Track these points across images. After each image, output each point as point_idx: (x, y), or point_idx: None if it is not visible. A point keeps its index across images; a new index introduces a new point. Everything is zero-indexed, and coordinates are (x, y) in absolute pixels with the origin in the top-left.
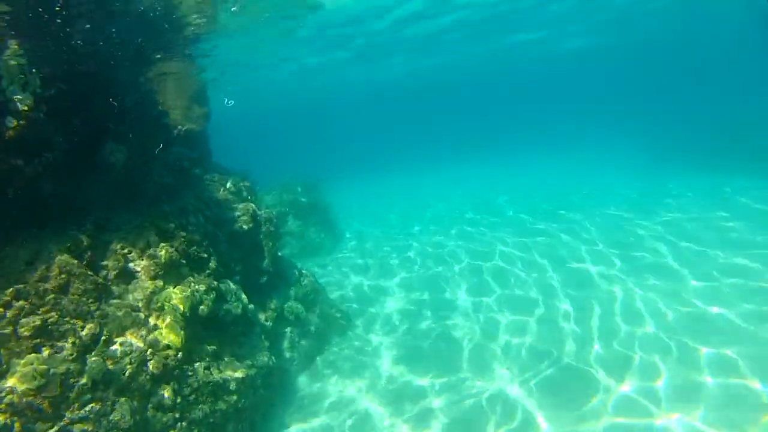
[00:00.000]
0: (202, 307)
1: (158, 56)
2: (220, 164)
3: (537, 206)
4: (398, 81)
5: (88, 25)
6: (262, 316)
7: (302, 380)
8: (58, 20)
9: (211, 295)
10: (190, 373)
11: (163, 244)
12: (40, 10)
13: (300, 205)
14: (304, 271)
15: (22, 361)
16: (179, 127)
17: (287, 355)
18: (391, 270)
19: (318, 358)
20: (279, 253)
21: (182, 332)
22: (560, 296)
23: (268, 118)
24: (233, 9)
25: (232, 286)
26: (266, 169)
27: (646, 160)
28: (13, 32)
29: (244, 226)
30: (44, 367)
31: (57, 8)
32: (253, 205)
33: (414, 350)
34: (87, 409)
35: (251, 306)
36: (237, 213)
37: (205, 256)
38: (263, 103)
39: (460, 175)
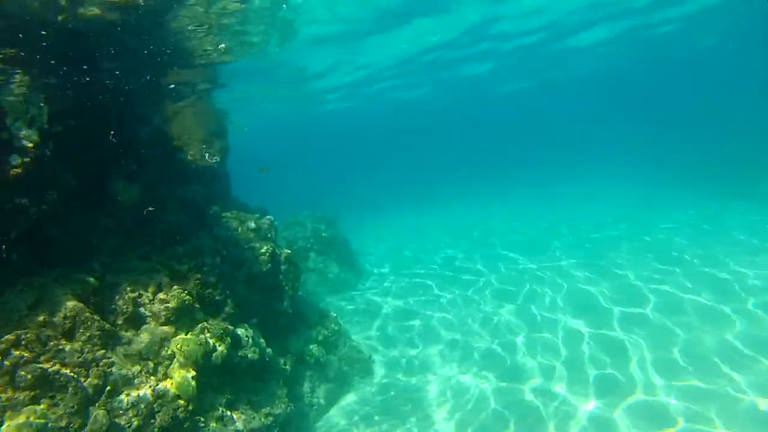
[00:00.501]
0: (215, 354)
1: (171, 86)
2: (240, 200)
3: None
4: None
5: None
6: (281, 361)
7: (320, 426)
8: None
9: (226, 341)
10: (201, 425)
11: (175, 287)
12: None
13: (321, 240)
14: (325, 312)
15: (19, 415)
16: (197, 162)
17: (306, 400)
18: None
19: (339, 403)
20: (300, 293)
21: (193, 382)
22: None
23: (281, 152)
24: (220, 47)
25: (249, 330)
26: (281, 204)
27: None
28: (19, 67)
29: (263, 267)
30: (42, 421)
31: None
32: (273, 244)
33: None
34: None
35: (269, 350)
36: (256, 253)
37: (221, 298)
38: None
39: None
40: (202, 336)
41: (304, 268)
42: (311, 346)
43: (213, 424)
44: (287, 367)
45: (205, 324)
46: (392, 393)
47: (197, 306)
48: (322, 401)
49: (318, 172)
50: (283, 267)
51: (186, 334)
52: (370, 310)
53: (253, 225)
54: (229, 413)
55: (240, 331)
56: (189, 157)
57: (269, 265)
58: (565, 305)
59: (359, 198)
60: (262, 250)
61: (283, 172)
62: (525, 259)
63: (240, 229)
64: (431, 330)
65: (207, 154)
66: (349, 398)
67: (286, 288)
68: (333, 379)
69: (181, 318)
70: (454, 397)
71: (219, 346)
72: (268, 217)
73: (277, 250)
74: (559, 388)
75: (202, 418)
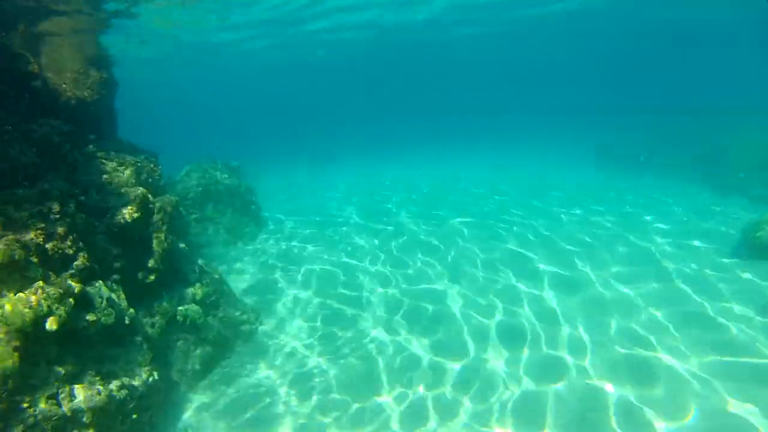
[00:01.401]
0: (52, 318)
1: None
2: (131, 143)
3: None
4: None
5: None
6: (147, 323)
7: (195, 397)
8: None
9: (68, 303)
10: (25, 406)
11: (5, 238)
12: None
13: (222, 189)
14: (207, 268)
15: None
16: (63, 95)
17: (178, 367)
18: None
19: (217, 369)
20: (183, 245)
21: (15, 354)
22: None
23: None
24: None
25: (106, 289)
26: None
27: None
28: None
29: (129, 217)
30: None
31: None
32: (143, 190)
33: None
34: None
35: (131, 311)
36: (124, 200)
37: (72, 252)
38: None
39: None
40: (34, 297)
41: (200, 218)
42: (186, 306)
43: (42, 405)
44: (155, 330)
45: (41, 283)
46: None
47: (34, 261)
48: (197, 367)
49: (229, 122)
50: (156, 217)
51: (13, 295)
52: (263, 263)
53: (129, 170)
54: (67, 389)
55: (92, 291)
56: (52, 87)
57: (137, 214)
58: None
59: (271, 149)
60: (131, 197)
61: (196, 120)
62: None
63: (114, 173)
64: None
65: (76, 86)
66: (230, 362)
67: (157, 241)
68: (212, 342)
69: (11, 275)
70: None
71: (58, 309)
72: (151, 160)
73: (149, 197)
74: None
75: (27, 398)
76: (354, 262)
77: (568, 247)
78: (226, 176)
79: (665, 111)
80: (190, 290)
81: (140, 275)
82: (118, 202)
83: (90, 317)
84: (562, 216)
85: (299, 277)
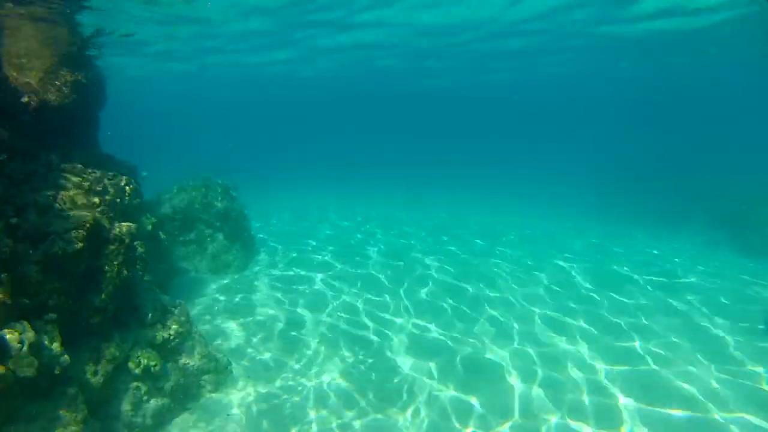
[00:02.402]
0: None
1: None
2: (109, 155)
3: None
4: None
5: None
6: (89, 370)
7: None
8: None
9: None
10: None
11: None
12: None
13: (213, 211)
14: (173, 306)
15: None
16: (31, 96)
17: (125, 420)
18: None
19: (172, 425)
20: (147, 277)
21: None
22: None
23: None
24: None
25: (29, 332)
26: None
27: None
28: None
29: (72, 246)
30: None
31: None
32: (92, 216)
33: None
34: None
35: (65, 358)
36: (68, 225)
37: None
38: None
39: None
40: None
41: (187, 241)
42: (141, 351)
43: None
44: (98, 378)
45: None
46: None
47: None
48: (149, 421)
49: (229, 141)
50: (111, 247)
51: None
52: (247, 303)
53: (95, 186)
54: None
55: (8, 336)
56: (12, 87)
57: (81, 244)
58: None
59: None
60: (79, 222)
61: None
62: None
63: (74, 191)
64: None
65: (42, 87)
66: (190, 417)
67: (111, 275)
68: (169, 393)
69: None
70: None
71: None
72: (125, 176)
73: (104, 223)
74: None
75: None
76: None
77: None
78: (220, 197)
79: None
80: (148, 332)
81: (85, 315)
82: (62, 227)
83: (2, 369)
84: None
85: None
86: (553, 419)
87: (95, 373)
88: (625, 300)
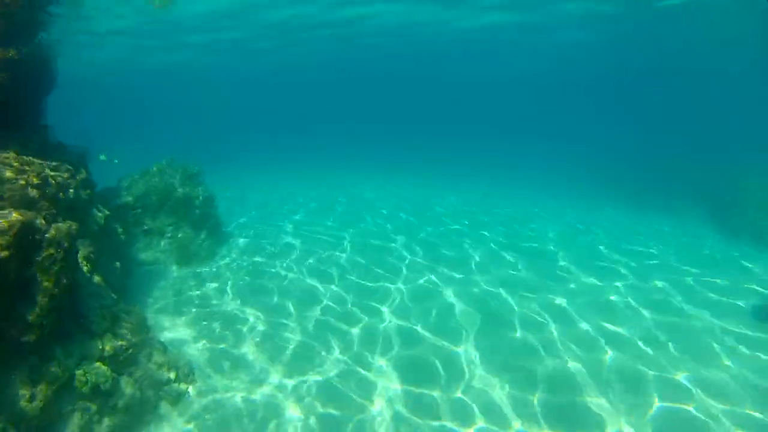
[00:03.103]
0: None
1: None
2: (59, 142)
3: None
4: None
5: None
6: (23, 396)
7: None
8: None
9: None
10: None
11: None
12: None
13: (175, 198)
14: (126, 313)
15: None
16: None
17: None
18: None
19: None
20: (97, 279)
21: None
22: None
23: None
24: None
25: None
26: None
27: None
28: None
29: None
30: None
31: None
32: (19, 218)
33: None
34: None
35: None
36: None
37: None
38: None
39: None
40: None
41: (150, 231)
42: (88, 366)
43: None
44: (35, 405)
45: None
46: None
47: None
48: None
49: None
50: (45, 253)
51: None
52: (213, 296)
53: (35, 179)
54: None
55: None
56: None
57: (6, 252)
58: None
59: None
60: (5, 225)
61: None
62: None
63: (5, 186)
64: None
65: None
66: None
67: (46, 286)
68: (124, 410)
69: None
70: None
71: None
72: (72, 164)
73: (36, 225)
74: None
75: None
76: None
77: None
78: (183, 182)
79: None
80: (97, 343)
81: (15, 333)
82: None
83: None
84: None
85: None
86: None
87: (32, 398)
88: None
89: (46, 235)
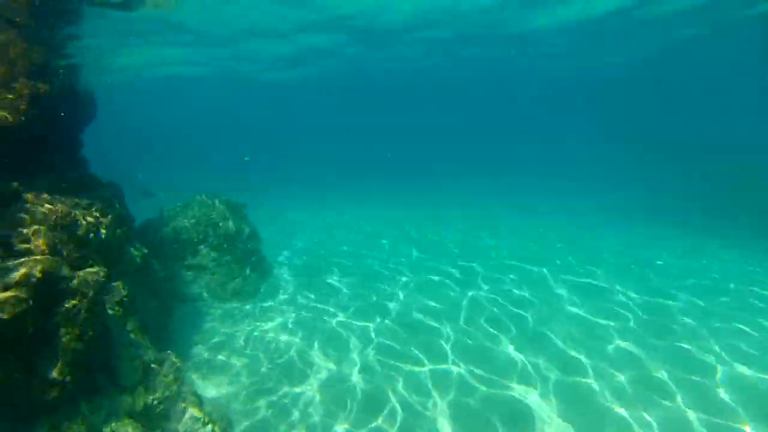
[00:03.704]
0: None
1: None
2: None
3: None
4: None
5: None
6: None
7: None
8: None
9: None
10: None
11: None
12: None
13: (218, 232)
14: (160, 364)
15: None
16: None
17: None
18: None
19: None
20: (131, 331)
21: None
22: None
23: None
24: None
25: None
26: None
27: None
28: None
29: (3, 311)
30: None
31: None
32: (40, 266)
33: None
34: None
35: None
36: (9, 281)
37: None
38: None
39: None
40: None
41: (192, 266)
42: (117, 423)
43: None
44: None
45: None
46: None
47: None
48: None
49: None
50: (69, 304)
51: None
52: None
53: (64, 220)
54: None
55: None
56: None
57: (23, 306)
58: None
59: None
60: (14, 277)
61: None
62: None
63: (31, 228)
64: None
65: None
66: None
67: (68, 338)
68: None
69: None
70: None
71: None
72: (99, 206)
73: (62, 271)
74: None
75: None
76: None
77: None
78: (227, 216)
79: None
80: (127, 398)
81: (37, 390)
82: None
83: None
84: None
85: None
86: None
87: None
88: None
89: (71, 284)
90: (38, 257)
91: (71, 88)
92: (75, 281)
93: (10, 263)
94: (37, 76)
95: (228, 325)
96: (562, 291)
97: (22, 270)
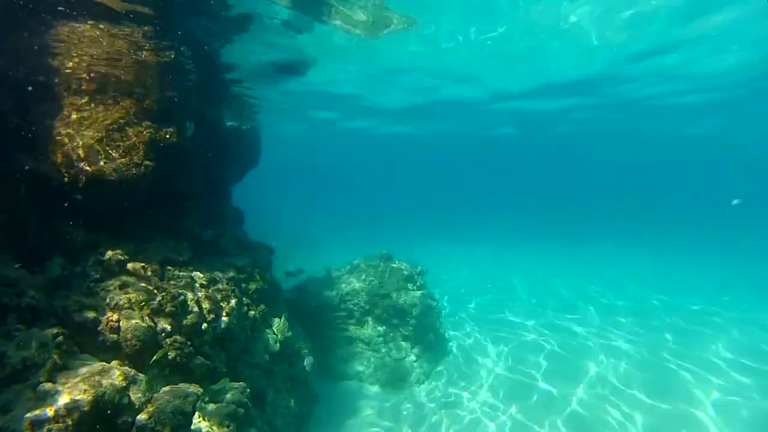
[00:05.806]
0: None
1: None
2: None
3: None
4: None
5: None
6: None
7: None
8: None
9: None
10: None
11: None
12: None
13: (388, 303)
14: None
15: None
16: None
17: None
18: None
19: None
20: None
21: None
22: None
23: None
24: None
25: None
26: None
27: None
28: None
29: None
30: None
31: None
32: (88, 398)
33: None
34: None
35: None
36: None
37: None
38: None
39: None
40: None
41: (353, 339)
42: None
43: None
44: None
45: None
46: None
47: None
48: None
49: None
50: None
51: None
52: None
53: (169, 306)
54: None
55: None
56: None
57: None
58: None
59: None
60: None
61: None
62: None
63: (114, 313)
64: None
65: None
66: None
67: None
68: None
69: None
70: None
71: None
72: (227, 282)
73: (121, 399)
74: None
75: None
76: None
77: None
78: (401, 285)
79: None
80: None
81: None
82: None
83: None
84: None
85: None
86: None
87: None
88: None
89: (139, 418)
90: (86, 381)
91: (211, 131)
92: (144, 414)
93: (49, 387)
94: (163, 117)
95: (388, 418)
96: None
97: (64, 397)
